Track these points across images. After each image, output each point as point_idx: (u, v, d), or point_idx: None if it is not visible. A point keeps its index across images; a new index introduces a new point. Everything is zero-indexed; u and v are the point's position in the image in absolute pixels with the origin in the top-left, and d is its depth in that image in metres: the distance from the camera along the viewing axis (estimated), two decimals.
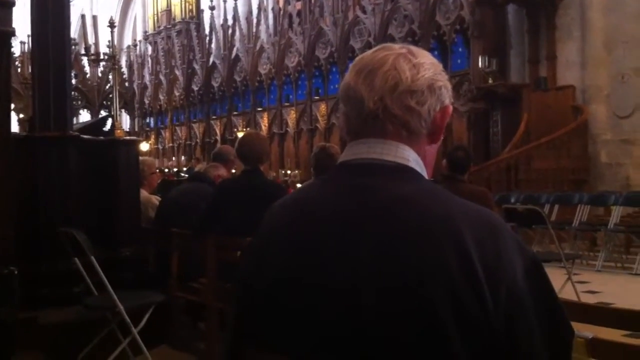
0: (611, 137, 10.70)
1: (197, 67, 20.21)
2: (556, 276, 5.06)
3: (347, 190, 1.10)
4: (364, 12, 14.62)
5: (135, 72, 23.06)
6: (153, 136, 22.58)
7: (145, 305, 3.80)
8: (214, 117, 19.91)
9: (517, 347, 0.99)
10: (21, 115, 14.39)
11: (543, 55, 11.66)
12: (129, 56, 23.67)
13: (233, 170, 5.95)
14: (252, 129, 16.16)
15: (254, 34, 18.09)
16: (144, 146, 17.88)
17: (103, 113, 19.36)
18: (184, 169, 15.75)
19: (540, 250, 7.73)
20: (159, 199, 5.41)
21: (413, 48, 1.17)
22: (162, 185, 8.20)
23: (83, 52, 14.27)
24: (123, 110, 21.07)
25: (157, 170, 7.36)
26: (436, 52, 12.56)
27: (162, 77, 21.81)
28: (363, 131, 1.15)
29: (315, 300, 1.04)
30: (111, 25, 13.09)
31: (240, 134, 13.77)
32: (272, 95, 17.65)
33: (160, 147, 22.16)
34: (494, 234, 1.03)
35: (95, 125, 6.65)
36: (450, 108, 1.17)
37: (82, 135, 4.72)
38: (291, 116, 17.02)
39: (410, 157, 1.13)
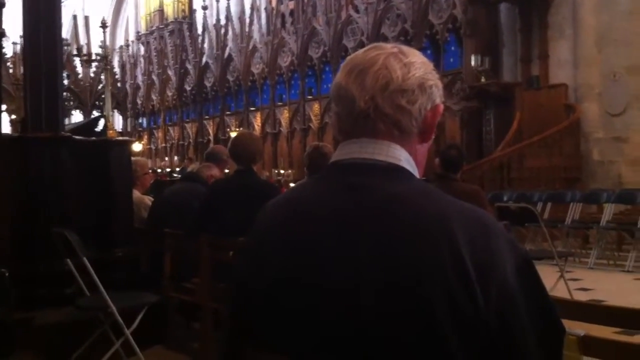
0: (603, 135, 10.73)
1: (189, 67, 20.18)
2: (549, 274, 5.08)
3: (341, 189, 1.10)
4: (357, 11, 14.63)
5: (128, 73, 23.01)
6: (146, 136, 22.53)
7: (138, 305, 3.79)
8: (206, 117, 19.88)
9: (509, 345, 1.00)
10: (13, 116, 14.34)
11: (535, 54, 11.68)
12: (121, 56, 23.61)
13: (226, 170, 5.94)
14: (245, 129, 16.16)
15: (246, 33, 18.07)
16: (137, 146, 17.84)
17: (95, 113, 19.32)
18: (177, 169, 15.73)
19: (533, 248, 7.75)
20: (152, 199, 5.39)
21: (404, 47, 1.17)
22: (155, 186, 8.17)
23: (75, 52, 14.24)
24: (115, 111, 21.05)
25: (150, 171, 7.34)
26: (429, 51, 12.59)
27: (154, 77, 21.76)
28: (354, 131, 1.15)
29: (315, 300, 1.04)
30: (103, 25, 13.07)
31: (233, 134, 13.75)
32: (265, 95, 17.63)
33: (153, 147, 22.11)
34: (486, 232, 1.03)
35: (88, 125, 6.63)
36: (442, 107, 1.17)
37: (74, 136, 4.70)
38: (284, 116, 17.00)
39: (402, 157, 1.13)
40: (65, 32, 18.35)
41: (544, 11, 11.47)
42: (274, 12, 17.46)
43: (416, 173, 1.16)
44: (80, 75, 19.80)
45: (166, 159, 19.36)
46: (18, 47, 15.28)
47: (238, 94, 18.51)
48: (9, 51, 16.39)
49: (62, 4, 4.84)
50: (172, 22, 21.50)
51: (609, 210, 8.28)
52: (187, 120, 20.64)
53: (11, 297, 3.60)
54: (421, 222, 1.02)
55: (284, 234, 1.13)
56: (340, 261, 1.03)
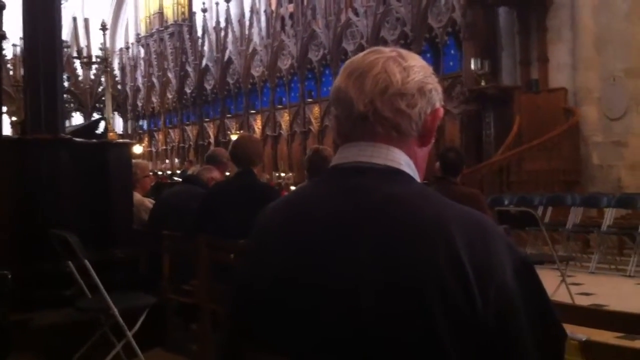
0: (602, 139, 10.72)
1: (189, 69, 20.19)
2: (550, 278, 5.06)
3: (341, 191, 1.11)
4: (357, 14, 14.64)
5: (128, 75, 23.02)
6: (146, 139, 22.53)
7: (139, 307, 3.79)
8: (207, 119, 19.89)
9: (508, 348, 1.00)
10: (13, 118, 14.33)
11: (534, 57, 11.68)
12: (121, 59, 23.63)
13: (227, 173, 5.94)
14: (245, 132, 16.16)
15: (246, 36, 18.08)
16: (137, 149, 17.83)
17: (96, 116, 19.31)
18: (178, 171, 15.73)
19: (534, 252, 7.74)
20: (152, 201, 5.40)
21: (403, 51, 1.17)
22: (156, 188, 8.17)
23: (75, 54, 14.24)
24: (116, 113, 21.03)
25: (151, 173, 7.34)
26: (428, 55, 12.61)
27: (154, 80, 21.77)
28: (353, 134, 1.15)
29: (316, 301, 1.04)
30: (103, 27, 13.06)
31: (233, 137, 13.75)
32: (265, 98, 17.64)
33: (153, 149, 22.12)
34: (484, 235, 1.04)
35: (88, 128, 6.63)
36: (441, 111, 1.17)
37: (74, 138, 4.70)
38: (284, 118, 17.01)
39: (402, 160, 1.13)
40: (66, 34, 18.37)
41: (543, 14, 11.46)
42: (274, 15, 17.48)
43: (417, 176, 1.16)
44: (80, 78, 19.81)
45: (167, 161, 19.38)
46: (18, 49, 15.30)
47: (238, 96, 18.52)
48: (9, 53, 16.43)
49: (62, 6, 4.84)
50: (171, 24, 21.51)
51: (609, 215, 8.27)
52: (188, 122, 20.65)
53: (8, 299, 3.59)
54: (419, 224, 1.03)
55: (284, 236, 1.14)
56: (341, 262, 1.04)
